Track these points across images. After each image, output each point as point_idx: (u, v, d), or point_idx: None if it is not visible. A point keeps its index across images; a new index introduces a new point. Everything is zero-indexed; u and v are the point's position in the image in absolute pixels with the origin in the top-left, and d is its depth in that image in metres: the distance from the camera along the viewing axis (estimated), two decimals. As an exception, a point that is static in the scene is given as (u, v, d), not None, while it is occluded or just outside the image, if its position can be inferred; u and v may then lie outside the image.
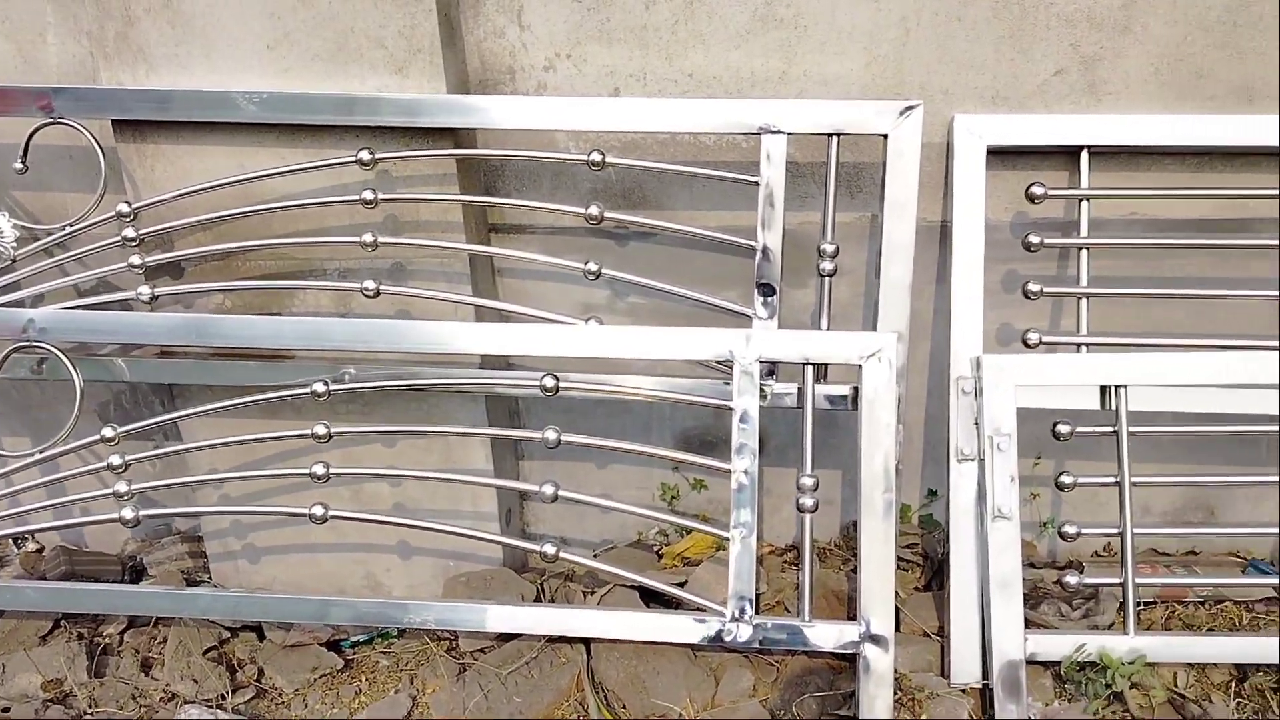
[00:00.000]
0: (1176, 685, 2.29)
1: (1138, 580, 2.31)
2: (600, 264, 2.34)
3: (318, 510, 2.23)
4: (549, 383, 2.19)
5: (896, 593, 2.61)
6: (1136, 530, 2.28)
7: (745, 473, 2.18)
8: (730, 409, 2.20)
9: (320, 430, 2.23)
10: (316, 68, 2.31)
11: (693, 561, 2.68)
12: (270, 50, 2.31)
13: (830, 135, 2.25)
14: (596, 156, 2.27)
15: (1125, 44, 2.29)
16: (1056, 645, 2.25)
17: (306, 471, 2.26)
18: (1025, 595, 2.61)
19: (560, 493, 2.20)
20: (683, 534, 2.78)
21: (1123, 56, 2.30)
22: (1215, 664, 2.32)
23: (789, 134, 2.24)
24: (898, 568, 2.73)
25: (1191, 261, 2.48)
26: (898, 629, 2.48)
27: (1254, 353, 2.23)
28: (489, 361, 2.53)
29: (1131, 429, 2.26)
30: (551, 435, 2.20)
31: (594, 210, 2.29)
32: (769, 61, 2.37)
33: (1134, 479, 2.25)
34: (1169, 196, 2.37)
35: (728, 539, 2.18)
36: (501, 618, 2.28)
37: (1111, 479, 2.27)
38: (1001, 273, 2.53)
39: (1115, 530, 2.26)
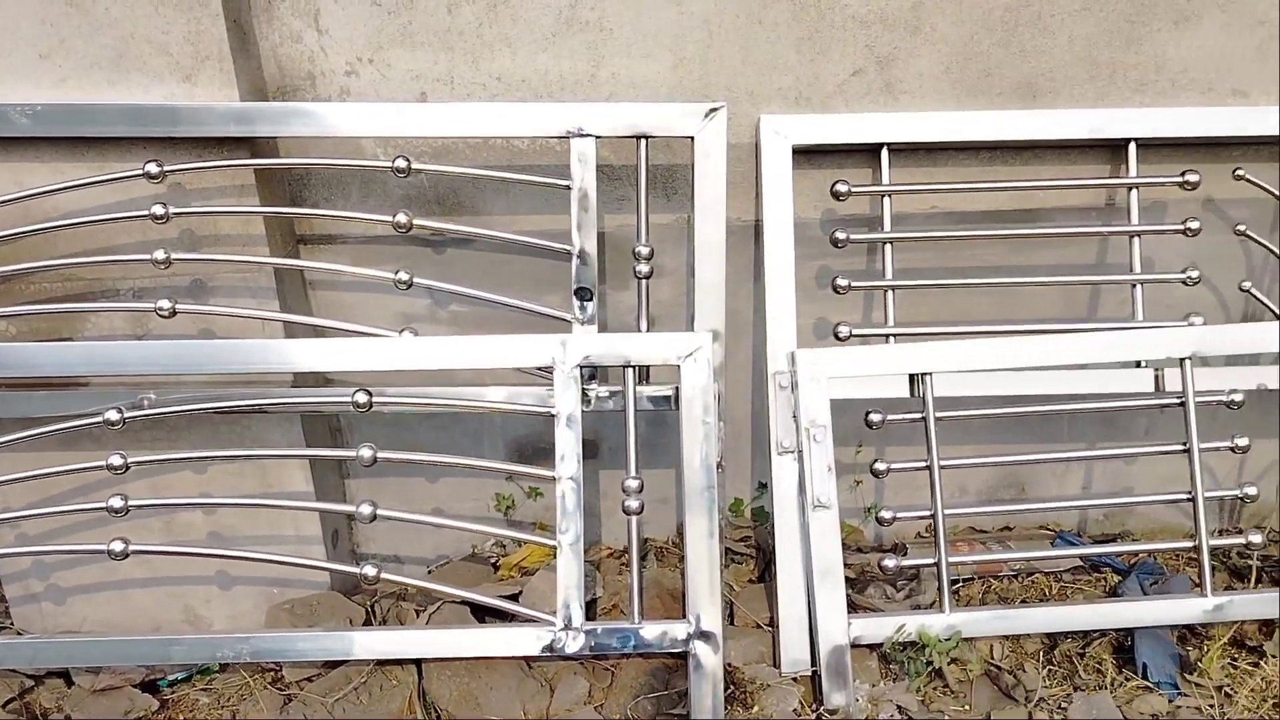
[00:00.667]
0: (993, 657, 2.40)
1: (951, 559, 2.40)
2: (415, 273, 2.28)
3: (117, 546, 2.10)
4: (361, 399, 2.12)
5: (730, 586, 2.65)
6: (948, 511, 2.37)
7: (570, 479, 2.16)
8: (553, 415, 2.17)
9: (116, 461, 2.09)
10: (96, 77, 2.17)
11: (530, 571, 2.65)
12: (44, 59, 2.16)
13: (638, 138, 2.26)
14: (401, 163, 2.21)
15: (917, 44, 2.37)
16: (879, 627, 2.31)
17: (103, 505, 2.12)
18: (853, 580, 2.70)
19: (379, 512, 2.13)
20: (520, 543, 2.74)
21: (915, 56, 2.38)
22: (1029, 634, 2.43)
23: (597, 137, 2.23)
24: (733, 561, 2.77)
25: (990, 252, 2.59)
26: (732, 622, 2.52)
27: (1046, 336, 2.35)
28: (303, 379, 2.43)
29: (938, 414, 2.34)
30: (366, 453, 2.13)
31: (401, 218, 2.23)
32: (577, 64, 2.36)
33: (942, 462, 2.33)
34: (964, 190, 2.48)
35: (555, 547, 2.16)
36: (324, 645, 2.19)
37: (922, 463, 2.34)
38: (815, 269, 2.60)
39: (929, 513, 2.34)
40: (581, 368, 2.19)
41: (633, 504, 2.18)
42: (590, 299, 2.25)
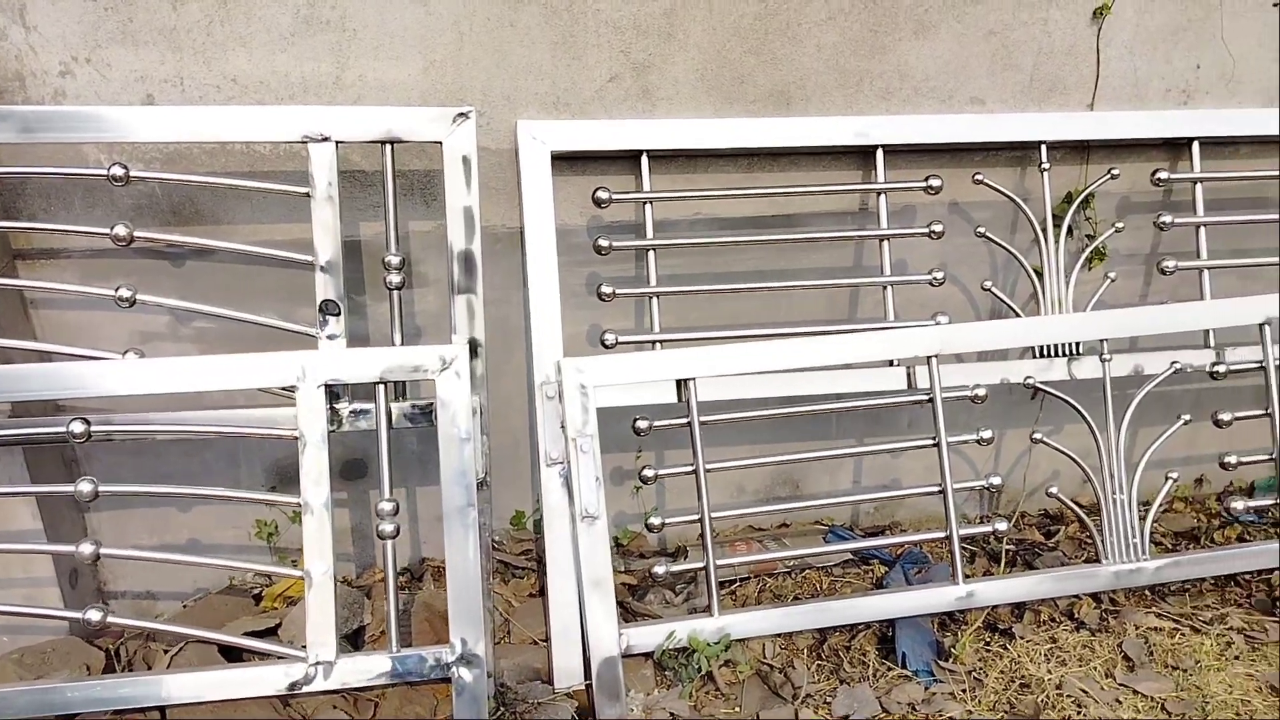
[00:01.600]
0: (765, 656, 2.43)
1: (720, 562, 2.42)
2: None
3: None
4: (77, 428, 1.94)
5: (510, 602, 2.59)
6: (719, 513, 2.39)
7: (319, 506, 2.05)
8: (296, 438, 2.05)
9: None
10: None
11: (295, 600, 2.50)
12: None
13: (384, 143, 2.16)
14: (119, 170, 2.03)
15: (671, 50, 2.37)
16: (651, 636, 2.30)
17: None
18: (634, 587, 2.69)
19: (103, 551, 1.95)
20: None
21: (670, 62, 2.39)
22: (801, 630, 2.47)
23: (339, 142, 2.12)
24: (514, 575, 2.71)
25: (756, 256, 2.63)
26: (508, 639, 2.45)
27: (804, 339, 2.39)
28: (26, 408, 2.21)
29: (703, 418, 2.35)
30: (86, 488, 1.95)
31: (121, 230, 2.06)
32: (321, 66, 2.24)
33: (707, 465, 2.34)
34: (725, 197, 2.50)
35: (303, 577, 2.04)
36: (45, 700, 1.99)
37: (690, 468, 2.35)
38: (585, 275, 2.57)
39: (697, 517, 2.35)
40: (330, 386, 2.08)
41: (387, 527, 2.09)
42: (337, 313, 2.14)
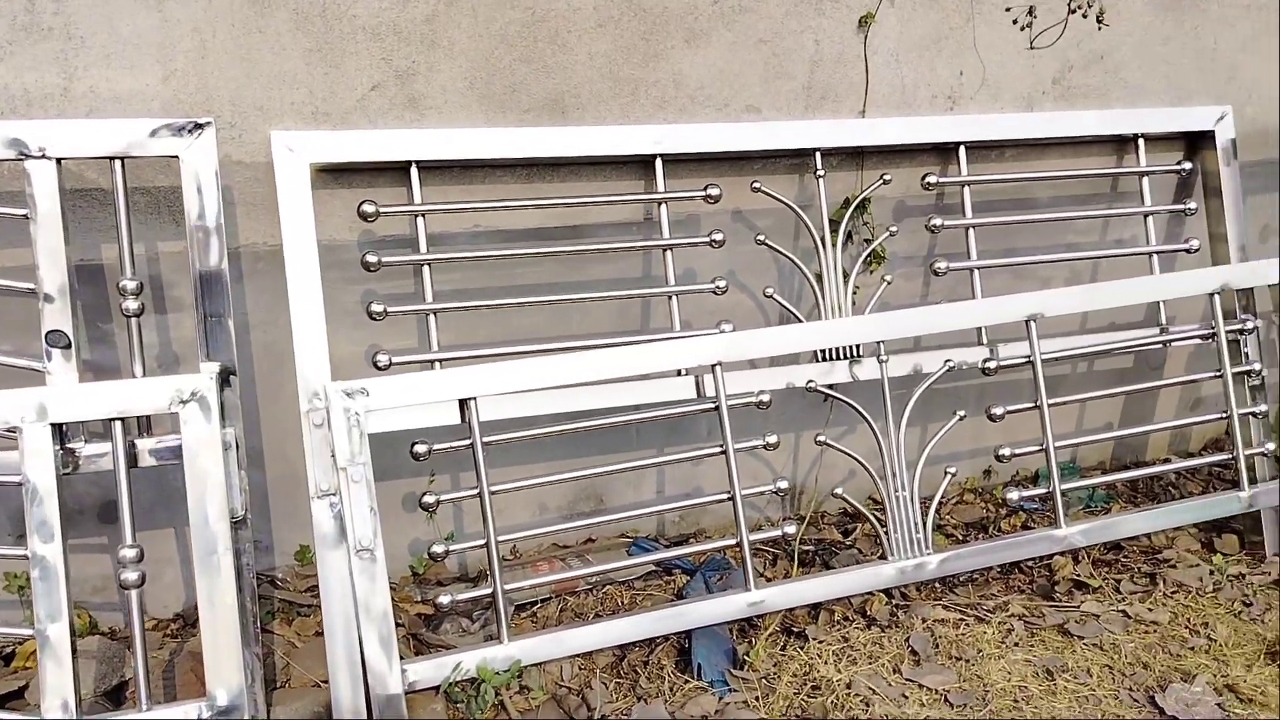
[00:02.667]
0: (563, 678, 2.36)
1: (516, 585, 2.35)
2: None
3: None
4: None
5: (291, 642, 2.44)
6: (513, 534, 2.32)
7: (53, 559, 1.86)
8: (21, 484, 1.86)
9: None
10: None
11: (49, 658, 2.28)
12: None
13: (114, 159, 1.99)
14: None
15: (436, 58, 2.29)
16: (436, 669, 2.20)
17: None
18: (430, 617, 2.58)
19: None
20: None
21: (436, 70, 2.30)
22: (600, 649, 2.42)
23: (60, 159, 1.94)
24: (298, 614, 2.56)
25: (542, 269, 2.57)
26: (289, 684, 2.31)
27: (590, 352, 2.34)
28: None
29: (490, 437, 2.27)
30: None
31: None
32: (45, 77, 2.05)
33: (492, 488, 2.26)
34: (502, 208, 2.43)
35: (33, 637, 1.85)
36: None
37: (474, 491, 2.26)
38: (360, 294, 2.45)
39: (483, 542, 2.27)
40: (61, 425, 1.89)
41: (130, 576, 1.92)
42: (66, 345, 1.96)
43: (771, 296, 2.63)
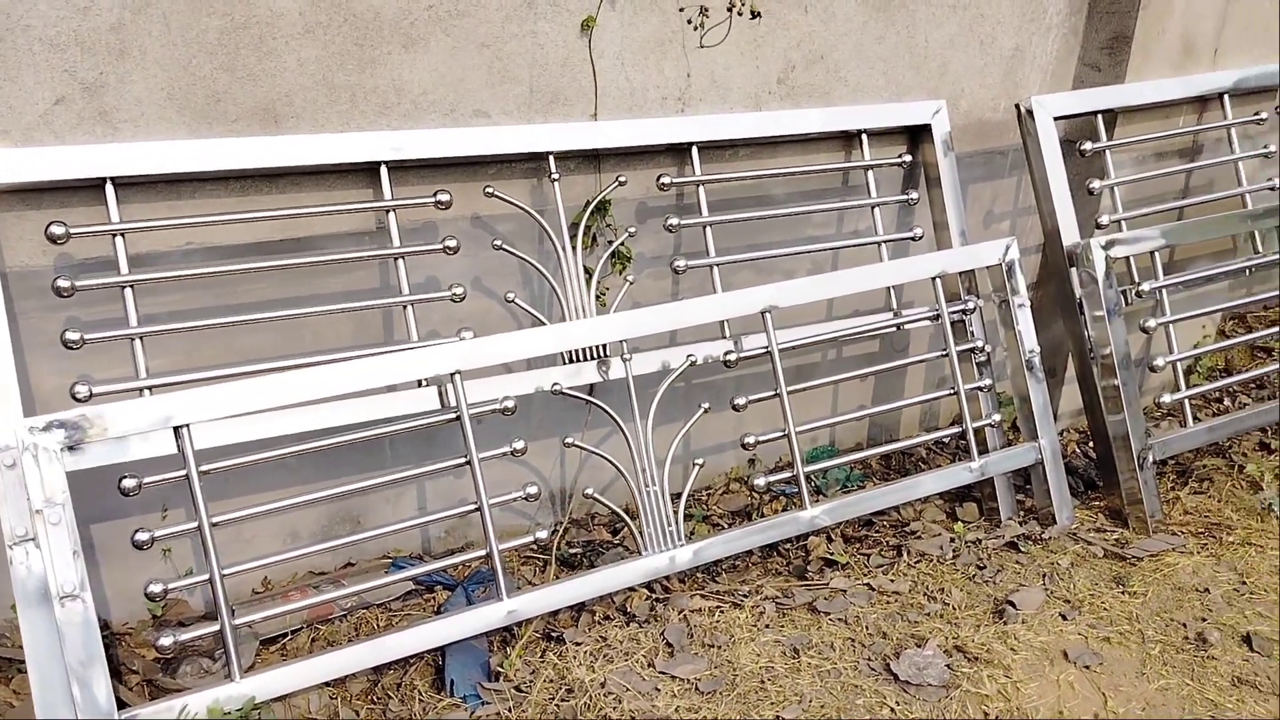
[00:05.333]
0: (310, 710, 2.27)
1: (253, 618, 2.24)
2: None
3: None
4: None
5: (9, 701, 2.25)
6: (244, 565, 2.21)
7: None
8: None
9: None
10: None
11: None
12: None
13: None
14: None
15: (127, 68, 2.16)
16: (160, 713, 2.06)
17: None
18: (166, 661, 2.43)
19: None
20: None
21: (128, 81, 2.17)
22: (348, 675, 2.33)
23: None
24: (19, 670, 2.36)
25: (268, 285, 2.46)
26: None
27: (317, 369, 2.25)
28: None
29: (204, 467, 2.16)
30: None
31: None
32: None
33: (214, 519, 2.15)
34: (215, 223, 2.31)
35: None
36: None
37: (193, 524, 2.14)
38: (63, 321, 2.28)
39: (206, 577, 2.14)
40: None
41: None
42: None
43: (513, 301, 2.61)
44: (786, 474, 2.78)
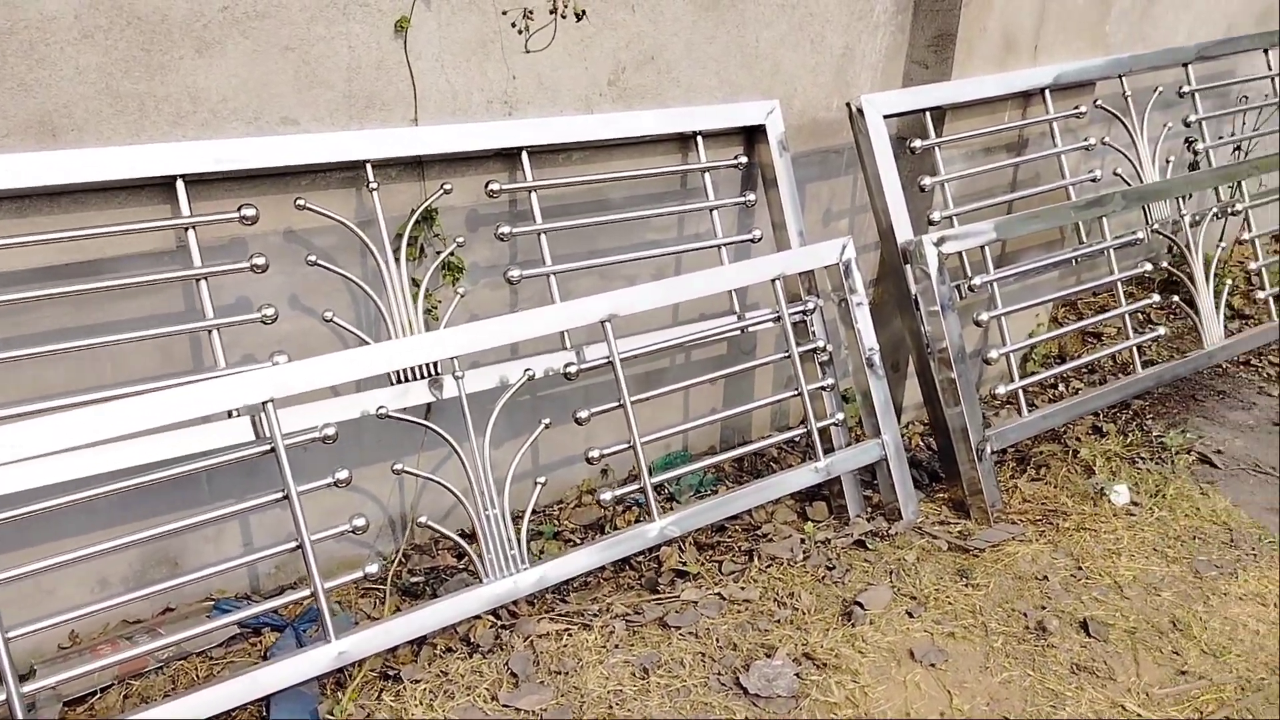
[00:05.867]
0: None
1: (33, 686, 2.03)
2: None
3: None
4: None
5: None
6: (61, 619, 2.00)
7: None
8: None
9: None
10: None
11: None
12: None
13: None
14: None
15: None
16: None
17: None
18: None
19: None
20: None
21: None
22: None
23: None
24: None
25: (53, 314, 2.24)
26: None
27: (120, 401, 2.06)
28: None
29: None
30: None
31: None
32: None
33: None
34: (-15, 248, 2.08)
35: None
36: None
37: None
38: None
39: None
40: None
41: None
42: None
43: (332, 321, 2.46)
44: (635, 485, 2.70)
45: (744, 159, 3.09)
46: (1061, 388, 3.99)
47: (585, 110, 2.85)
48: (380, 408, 2.38)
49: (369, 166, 2.47)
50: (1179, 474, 3.23)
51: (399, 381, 2.47)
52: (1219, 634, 2.53)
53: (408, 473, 2.40)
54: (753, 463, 3.46)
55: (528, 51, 2.66)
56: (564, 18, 2.60)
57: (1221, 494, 3.13)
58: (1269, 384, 3.97)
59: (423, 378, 2.50)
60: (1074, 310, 4.52)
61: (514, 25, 2.57)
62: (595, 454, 2.62)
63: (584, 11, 2.59)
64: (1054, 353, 4.19)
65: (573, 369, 2.63)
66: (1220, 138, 4.41)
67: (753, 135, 3.16)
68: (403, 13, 2.45)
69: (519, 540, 2.48)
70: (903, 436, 3.57)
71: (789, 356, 2.97)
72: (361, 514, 2.34)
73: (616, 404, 2.66)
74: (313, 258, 2.42)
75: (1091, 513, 3.03)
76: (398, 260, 2.51)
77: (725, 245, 3.04)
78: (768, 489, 2.90)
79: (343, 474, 2.30)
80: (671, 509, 2.77)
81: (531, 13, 2.60)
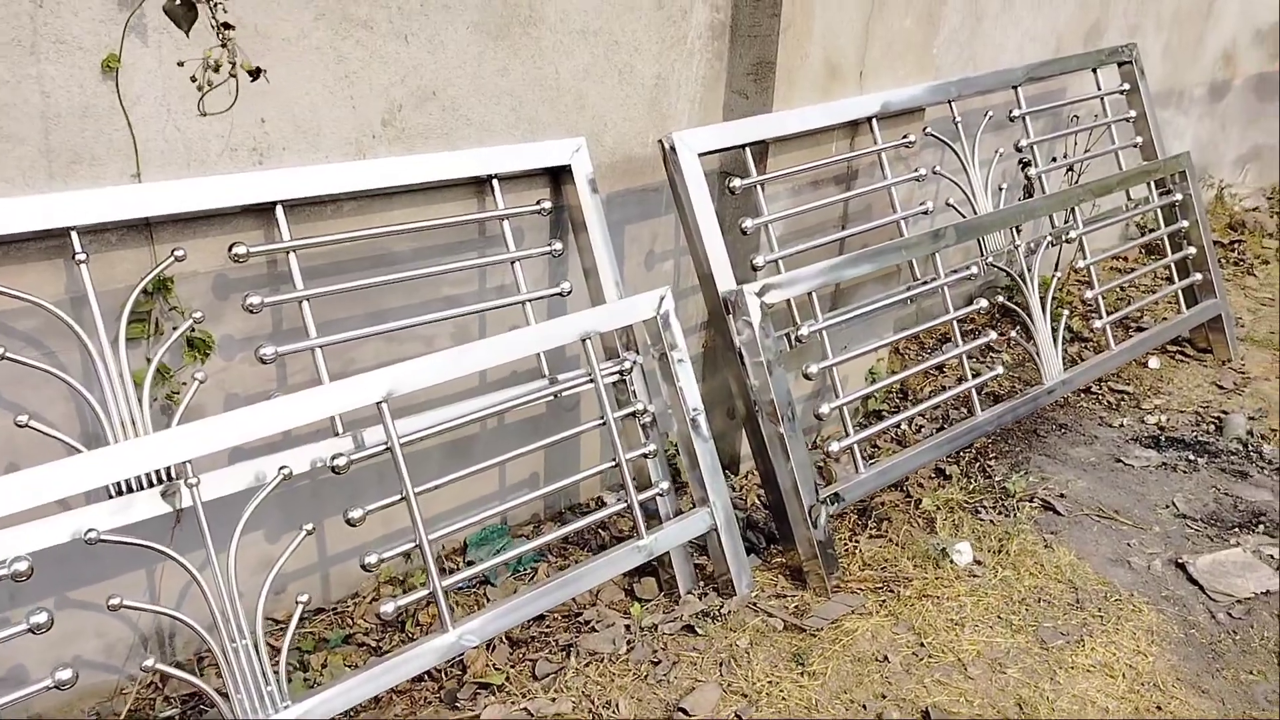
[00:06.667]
0: None
1: None
2: None
3: None
4: None
5: None
6: None
7: None
8: None
9: None
10: None
11: None
12: None
13: None
14: None
15: None
16: None
17: None
18: None
19: None
20: None
21: None
22: None
23: None
24: None
25: None
26: None
27: None
28: None
29: None
30: None
31: None
32: None
33: None
34: None
35: None
36: None
37: None
38: None
39: None
40: None
41: None
42: None
43: (28, 425, 2.02)
44: (413, 595, 2.34)
45: (547, 204, 2.78)
46: (905, 428, 3.81)
47: (356, 155, 2.48)
48: (90, 532, 1.95)
49: (75, 234, 2.04)
50: (1022, 525, 3.07)
51: (122, 493, 2.05)
52: (1067, 714, 2.34)
53: (130, 607, 1.98)
54: (580, 534, 3.13)
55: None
56: (233, 76, 2.14)
57: (1066, 546, 2.98)
58: (1110, 413, 3.89)
59: (153, 485, 2.09)
60: (915, 341, 4.37)
61: (193, 80, 2.14)
62: (373, 560, 2.25)
63: (259, 70, 2.14)
64: (896, 389, 4.02)
65: (341, 461, 2.25)
66: (1054, 159, 4.34)
67: (559, 176, 2.84)
68: (110, 49, 2.04)
69: (276, 674, 2.09)
70: (742, 491, 3.33)
71: (604, 423, 2.66)
72: (68, 666, 1.90)
73: (398, 497, 2.30)
74: (3, 350, 1.98)
75: (934, 577, 2.83)
76: (115, 344, 2.09)
77: (530, 301, 2.71)
78: (585, 577, 2.58)
79: (40, 618, 1.87)
80: (480, 607, 2.43)
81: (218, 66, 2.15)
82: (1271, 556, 2.97)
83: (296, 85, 2.32)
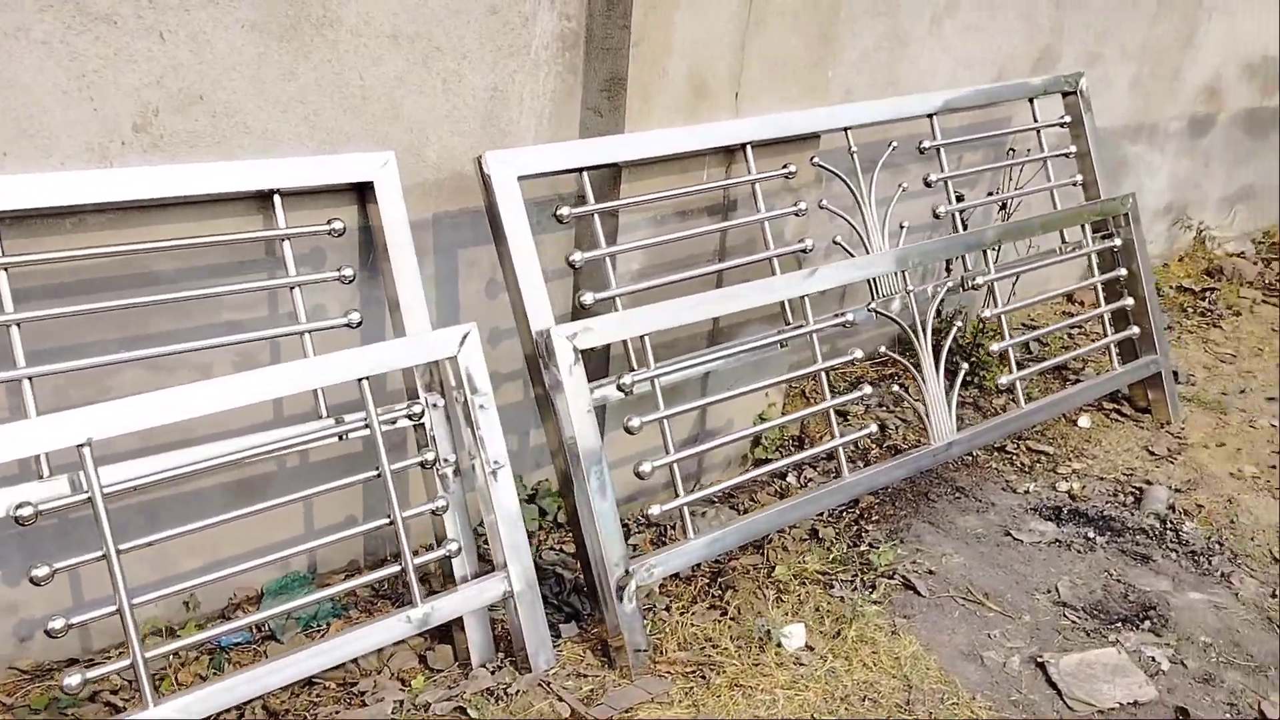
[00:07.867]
0: None
1: None
2: None
3: None
4: None
5: None
6: None
7: None
8: None
9: None
10: None
11: None
12: None
13: None
14: None
15: None
16: None
17: None
18: None
19: None
20: None
21: None
22: None
23: None
24: None
25: None
26: None
27: None
28: None
29: None
30: None
31: None
32: None
33: None
34: None
35: None
36: None
37: None
38: None
39: None
40: None
41: None
42: None
43: None
44: (126, 661, 2.07)
45: (339, 223, 2.49)
46: (791, 478, 3.50)
47: (100, 163, 2.21)
48: None
49: None
50: (871, 606, 2.74)
51: None
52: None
53: None
54: (387, 583, 2.85)
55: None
56: None
57: (916, 633, 2.65)
58: (1019, 476, 3.55)
59: None
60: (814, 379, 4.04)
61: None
62: (59, 624, 1.98)
63: None
64: (795, 434, 3.70)
65: (26, 511, 1.98)
66: (990, 194, 4.01)
67: (365, 193, 2.56)
68: None
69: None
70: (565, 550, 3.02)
71: (379, 476, 2.38)
72: None
73: (99, 554, 2.03)
74: None
75: (752, 663, 2.51)
76: None
77: (311, 332, 2.43)
78: (341, 648, 2.30)
79: None
80: (212, 679, 2.15)
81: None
82: (1152, 659, 2.63)
83: (18, 85, 2.06)
